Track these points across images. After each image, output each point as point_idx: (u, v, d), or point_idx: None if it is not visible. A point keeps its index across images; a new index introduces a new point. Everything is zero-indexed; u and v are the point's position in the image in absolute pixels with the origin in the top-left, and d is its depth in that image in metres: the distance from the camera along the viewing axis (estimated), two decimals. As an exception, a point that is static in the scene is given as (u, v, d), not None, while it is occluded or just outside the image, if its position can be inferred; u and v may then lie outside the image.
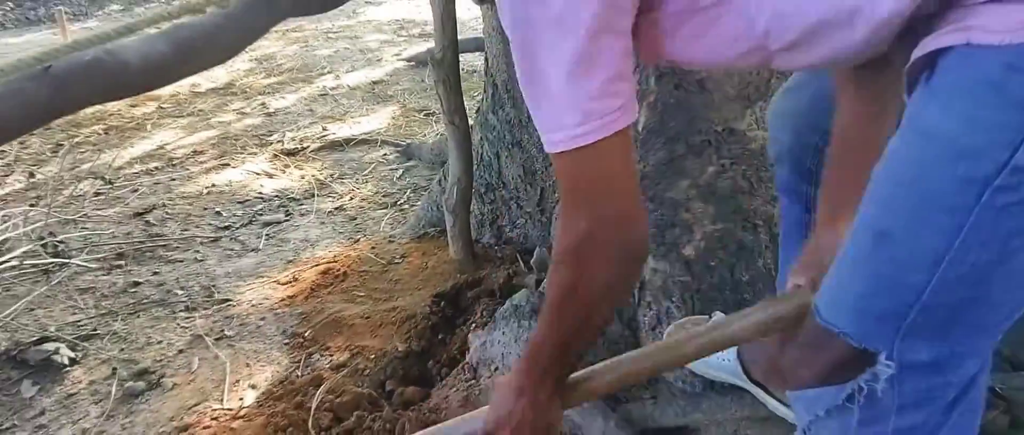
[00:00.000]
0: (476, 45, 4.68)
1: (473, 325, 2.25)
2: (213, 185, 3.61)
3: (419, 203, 3.08)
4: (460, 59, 2.50)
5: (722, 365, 1.67)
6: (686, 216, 1.81)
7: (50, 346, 2.29)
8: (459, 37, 2.48)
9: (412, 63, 5.50)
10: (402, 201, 3.27)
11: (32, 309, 2.60)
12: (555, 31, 0.87)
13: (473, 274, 2.51)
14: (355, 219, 3.16)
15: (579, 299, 0.99)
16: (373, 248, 2.82)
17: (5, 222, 3.01)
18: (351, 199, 3.36)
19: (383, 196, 3.35)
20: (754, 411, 1.67)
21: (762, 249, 1.78)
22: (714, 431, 1.71)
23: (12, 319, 2.51)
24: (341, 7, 2.84)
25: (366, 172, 3.65)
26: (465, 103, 2.53)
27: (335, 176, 3.63)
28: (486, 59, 2.74)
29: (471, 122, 2.68)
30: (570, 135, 0.90)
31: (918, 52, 0.85)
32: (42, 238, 2.96)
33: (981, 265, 0.83)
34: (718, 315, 1.68)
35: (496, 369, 1.98)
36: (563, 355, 1.07)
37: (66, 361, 2.25)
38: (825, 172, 1.26)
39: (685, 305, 1.80)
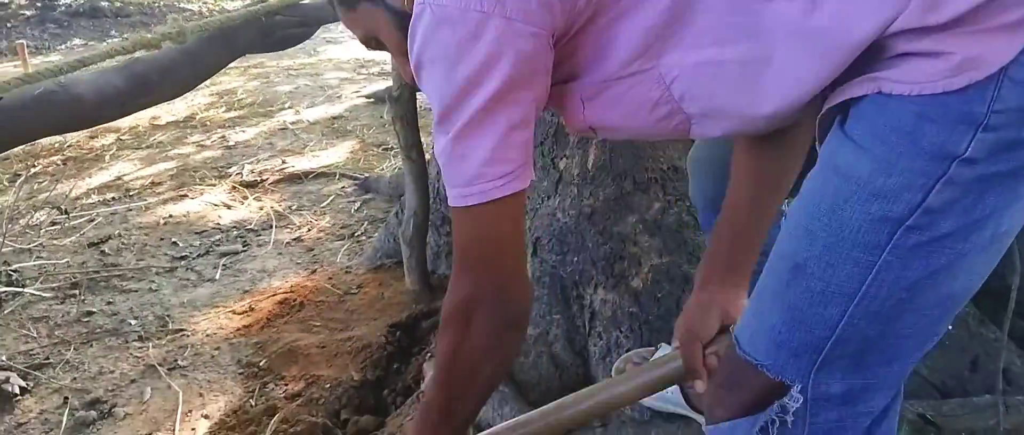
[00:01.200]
0: (433, 84, 4.69)
1: (428, 355, 2.21)
2: (170, 216, 3.51)
3: (376, 235, 3.03)
4: (417, 97, 2.49)
5: (666, 396, 1.66)
6: (634, 249, 1.82)
7: (0, 375, 2.17)
8: (417, 76, 2.48)
9: (371, 100, 5.48)
10: (359, 233, 3.22)
11: (-19, 339, 2.48)
12: (459, 90, 0.85)
13: (428, 304, 2.47)
14: (312, 250, 3.10)
15: (461, 362, 0.98)
16: (330, 279, 2.77)
17: (-43, 251, 2.87)
18: (309, 230, 3.29)
19: (341, 228, 3.30)
20: (699, 438, 1.66)
21: (706, 281, 1.79)
22: (661, 458, 1.70)
23: (-40, 348, 2.39)
24: (301, 45, 2.81)
25: (324, 204, 3.59)
26: (421, 139, 2.52)
27: (293, 208, 3.56)
28: (443, 97, 2.74)
29: (428, 157, 2.66)
30: (460, 193, 0.91)
31: (830, 103, 0.86)
32: (-5, 267, 2.84)
33: (893, 301, 0.83)
34: (664, 347, 1.68)
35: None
36: (450, 416, 1.04)
37: (17, 390, 2.14)
38: (712, 238, 1.27)
39: (634, 334, 1.80)
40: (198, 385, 2.18)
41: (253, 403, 2.07)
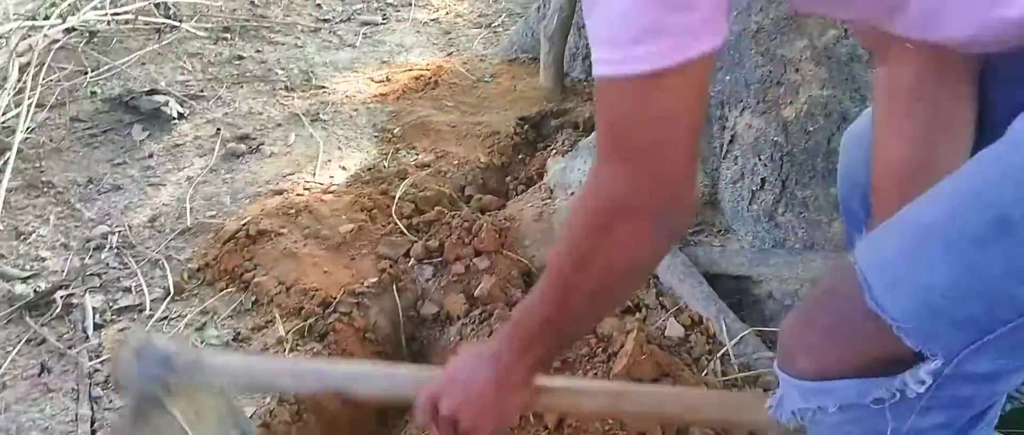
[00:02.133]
0: None
1: (554, 151, 2.22)
2: (315, -22, 3.52)
3: (513, 28, 2.96)
4: None
5: None
6: (795, 76, 1.70)
7: (160, 98, 2.31)
8: None
9: None
10: (496, 24, 3.15)
11: (143, 63, 2.62)
12: None
13: (559, 104, 2.45)
14: (449, 33, 3.07)
15: (593, 274, 0.76)
16: (464, 63, 2.75)
17: (122, -22, 2.97)
18: (446, 14, 3.25)
19: (478, 16, 3.23)
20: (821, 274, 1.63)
21: (863, 123, 1.68)
22: (776, 286, 1.69)
23: (126, 68, 2.53)
24: None
25: (463, -9, 3.51)
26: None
27: (433, -11, 3.50)
28: None
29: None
30: (624, 56, 0.64)
31: None
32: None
33: None
34: None
35: (573, 193, 1.95)
36: (554, 335, 0.85)
37: (175, 114, 2.28)
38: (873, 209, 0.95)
39: (772, 164, 1.73)
40: (337, 139, 2.26)
41: (386, 164, 2.15)
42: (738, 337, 1.59)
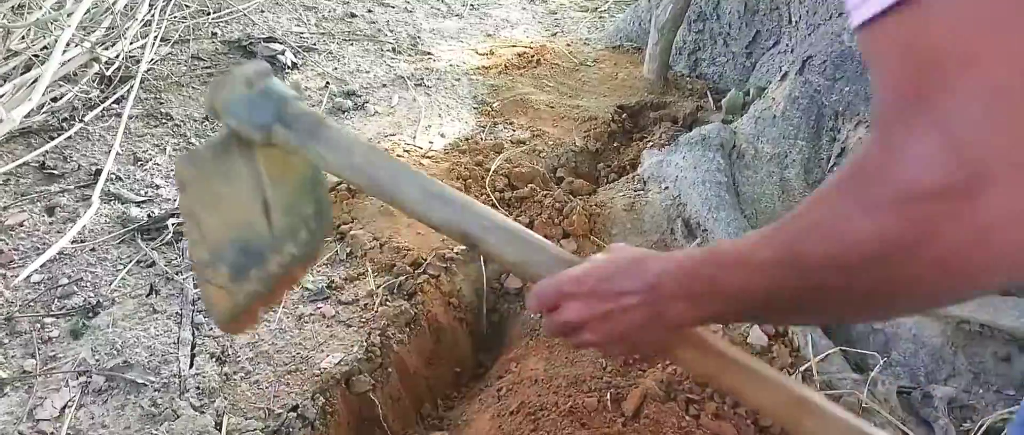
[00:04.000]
0: None
1: (650, 143, 2.18)
2: (429, -54, 3.53)
3: (621, 16, 2.92)
4: None
5: None
6: (918, 97, 1.62)
7: (277, 46, 2.37)
8: None
9: None
10: (603, 9, 3.11)
11: (262, 10, 2.68)
12: None
13: (660, 96, 2.40)
14: (555, 14, 3.04)
15: (872, 276, 0.48)
16: (568, 45, 2.73)
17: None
18: (554, -6, 3.22)
19: (586, 0, 3.20)
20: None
21: None
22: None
23: (245, 13, 2.60)
24: None
25: (573, -27, 3.47)
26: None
27: (543, -31, 3.47)
28: None
29: (702, -53, 2.46)
30: None
31: None
32: (278, -49, 3.00)
33: None
34: None
35: (666, 188, 1.92)
36: (749, 307, 0.60)
37: (289, 63, 2.33)
38: None
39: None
40: (438, 106, 2.28)
41: (483, 137, 2.15)
42: (824, 354, 1.53)
